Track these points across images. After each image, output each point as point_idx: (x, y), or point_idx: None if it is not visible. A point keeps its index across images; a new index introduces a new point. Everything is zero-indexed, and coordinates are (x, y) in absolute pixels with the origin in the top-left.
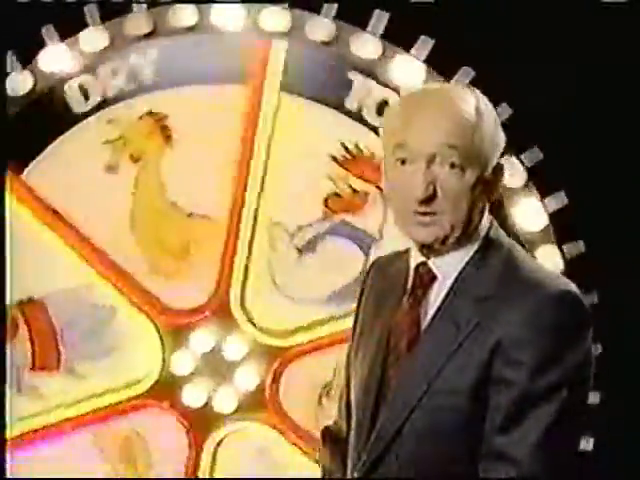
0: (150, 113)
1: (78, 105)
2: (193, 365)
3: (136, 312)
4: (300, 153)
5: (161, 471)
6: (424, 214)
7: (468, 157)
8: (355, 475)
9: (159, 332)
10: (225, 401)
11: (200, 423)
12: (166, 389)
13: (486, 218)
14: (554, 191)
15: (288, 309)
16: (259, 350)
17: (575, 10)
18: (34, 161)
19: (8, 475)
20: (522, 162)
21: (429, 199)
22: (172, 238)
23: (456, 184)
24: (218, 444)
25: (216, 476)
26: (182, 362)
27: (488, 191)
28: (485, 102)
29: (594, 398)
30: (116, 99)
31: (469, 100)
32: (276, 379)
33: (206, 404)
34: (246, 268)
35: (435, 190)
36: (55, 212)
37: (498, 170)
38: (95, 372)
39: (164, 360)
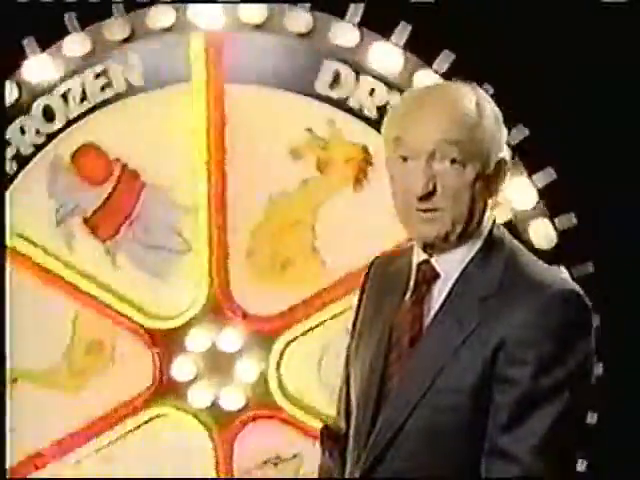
0: (364, 148)
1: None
2: (207, 347)
3: (204, 269)
4: None
5: (101, 390)
6: (425, 210)
7: (469, 153)
8: (356, 474)
9: (207, 301)
10: (201, 395)
11: (166, 391)
12: (167, 344)
13: (489, 216)
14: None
15: (316, 387)
16: (262, 392)
17: (575, 10)
18: (241, 82)
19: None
20: (534, 183)
21: (429, 195)
22: (284, 251)
23: (456, 180)
24: (157, 416)
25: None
26: (199, 340)
27: (490, 187)
28: (486, 98)
29: (591, 419)
30: (358, 115)
31: (469, 96)
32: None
33: (186, 384)
34: (311, 328)
35: (435, 186)
36: (222, 142)
37: (500, 165)
38: (128, 275)
39: (189, 325)
